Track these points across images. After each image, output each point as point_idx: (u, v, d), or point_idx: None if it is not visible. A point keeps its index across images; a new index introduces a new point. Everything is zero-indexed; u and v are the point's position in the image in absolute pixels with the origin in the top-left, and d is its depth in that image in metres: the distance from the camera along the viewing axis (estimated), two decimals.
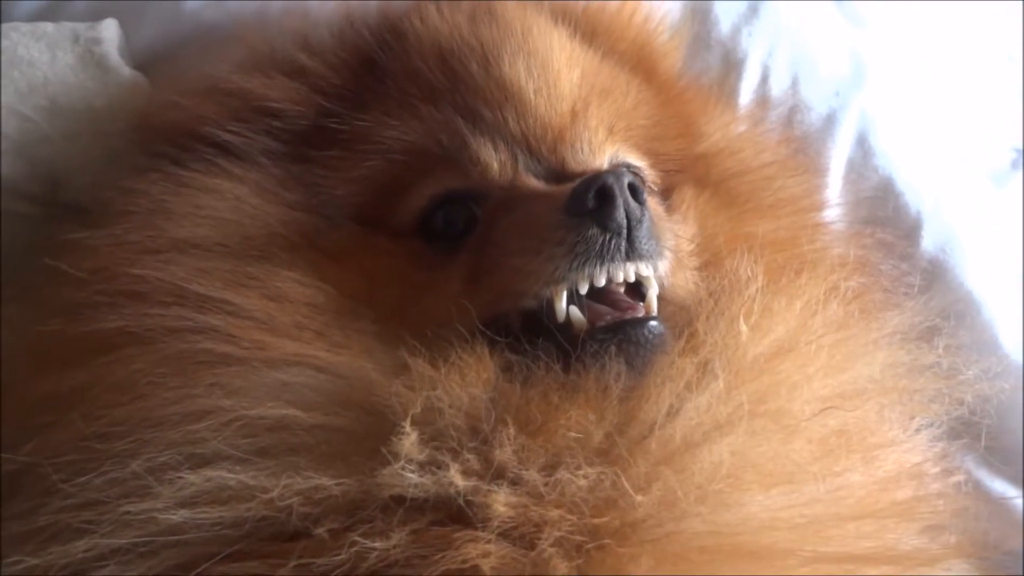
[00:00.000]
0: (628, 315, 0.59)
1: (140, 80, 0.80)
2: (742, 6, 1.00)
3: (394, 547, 0.50)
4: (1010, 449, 0.87)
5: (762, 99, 0.96)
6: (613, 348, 0.57)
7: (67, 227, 0.68)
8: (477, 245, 0.64)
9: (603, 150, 0.70)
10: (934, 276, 0.90)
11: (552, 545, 0.50)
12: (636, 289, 0.62)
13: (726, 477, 0.53)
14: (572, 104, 0.70)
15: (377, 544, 0.50)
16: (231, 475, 0.52)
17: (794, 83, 0.98)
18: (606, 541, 0.51)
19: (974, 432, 0.82)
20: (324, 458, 0.53)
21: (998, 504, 0.83)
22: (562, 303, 0.59)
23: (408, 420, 0.53)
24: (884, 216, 0.92)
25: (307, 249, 0.64)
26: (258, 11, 0.82)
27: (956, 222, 0.95)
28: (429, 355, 0.57)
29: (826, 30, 1.02)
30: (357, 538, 0.50)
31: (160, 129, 0.71)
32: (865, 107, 0.98)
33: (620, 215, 0.58)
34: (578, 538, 0.51)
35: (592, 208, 0.58)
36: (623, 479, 0.52)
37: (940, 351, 0.68)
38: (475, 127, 0.68)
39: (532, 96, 0.69)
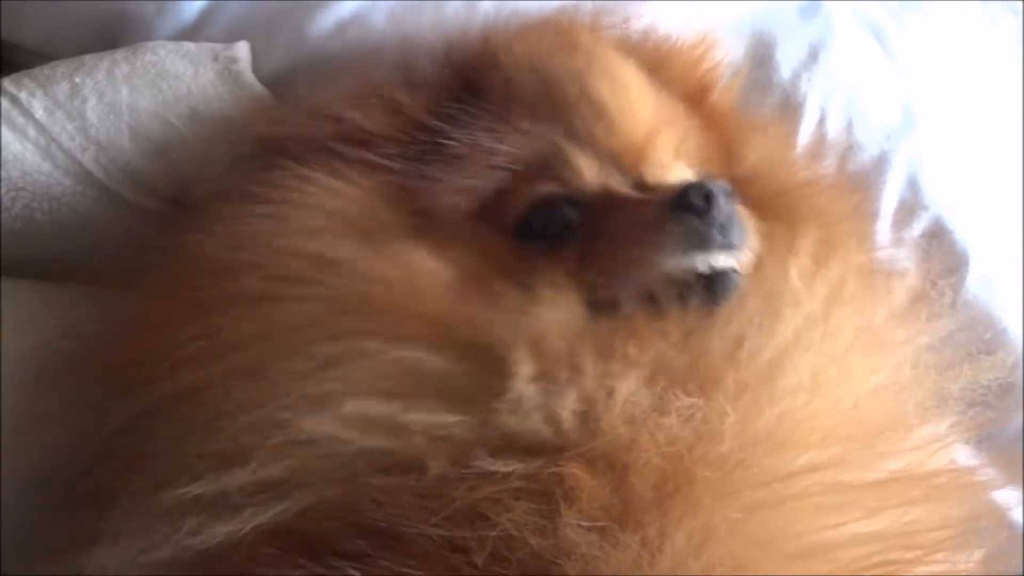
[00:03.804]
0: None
1: (268, 97, 0.88)
2: (802, 53, 1.07)
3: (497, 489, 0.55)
4: None
5: (819, 138, 1.03)
6: (701, 288, 0.67)
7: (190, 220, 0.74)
8: (586, 237, 0.72)
9: (671, 167, 0.79)
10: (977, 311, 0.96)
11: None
12: None
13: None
14: (648, 128, 0.79)
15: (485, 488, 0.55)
16: (370, 409, 0.59)
17: (849, 125, 1.04)
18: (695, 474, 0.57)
19: None
20: (449, 397, 0.59)
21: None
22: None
23: (515, 355, 0.60)
24: (934, 252, 0.98)
25: (416, 240, 0.71)
26: (375, 46, 0.91)
27: (996, 262, 1.01)
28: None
29: (879, 77, 1.09)
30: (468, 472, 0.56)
31: (281, 139, 0.78)
32: (914, 151, 1.04)
33: (719, 212, 0.68)
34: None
35: (698, 206, 0.68)
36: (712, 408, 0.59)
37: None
38: (571, 139, 0.76)
39: (618, 116, 0.78)
